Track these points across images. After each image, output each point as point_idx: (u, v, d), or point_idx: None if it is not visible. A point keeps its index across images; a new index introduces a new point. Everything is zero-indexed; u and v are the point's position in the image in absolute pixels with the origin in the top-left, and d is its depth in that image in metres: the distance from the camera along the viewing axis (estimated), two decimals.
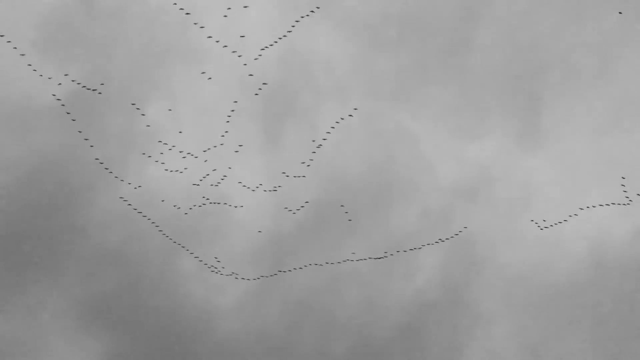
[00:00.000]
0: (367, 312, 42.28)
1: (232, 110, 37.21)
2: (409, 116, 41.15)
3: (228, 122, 37.72)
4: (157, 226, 40.25)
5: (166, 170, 39.11)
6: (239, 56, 35.93)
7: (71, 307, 42.51)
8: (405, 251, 40.64)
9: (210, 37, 35.82)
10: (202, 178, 38.98)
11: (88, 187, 41.70)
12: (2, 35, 34.80)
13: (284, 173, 39.08)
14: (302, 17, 36.01)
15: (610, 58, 41.09)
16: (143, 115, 39.02)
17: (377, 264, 41.98)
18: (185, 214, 40.43)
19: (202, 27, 36.00)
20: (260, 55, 36.29)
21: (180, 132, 39.16)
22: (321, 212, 40.96)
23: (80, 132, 38.24)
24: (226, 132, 37.98)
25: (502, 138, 41.42)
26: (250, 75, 36.79)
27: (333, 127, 38.35)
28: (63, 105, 37.38)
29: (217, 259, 40.57)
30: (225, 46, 36.03)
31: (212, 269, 40.63)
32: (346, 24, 40.02)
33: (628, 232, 40.98)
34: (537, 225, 39.63)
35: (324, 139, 38.17)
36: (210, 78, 37.64)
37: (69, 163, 41.06)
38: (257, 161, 41.49)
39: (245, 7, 35.14)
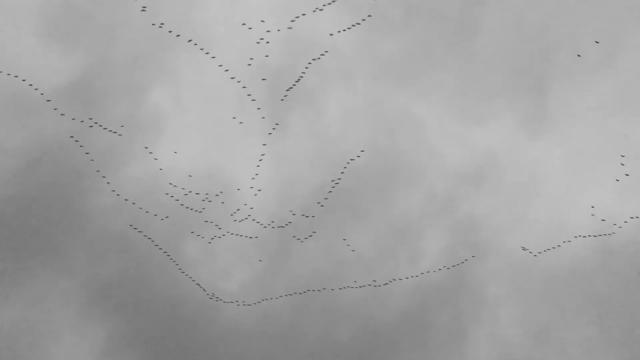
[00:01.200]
0: (372, 298, 42.24)
1: (263, 155, 37.97)
2: (414, 100, 40.90)
3: (258, 166, 38.46)
4: (172, 259, 41.07)
5: (187, 208, 39.72)
6: (252, 99, 36.78)
7: (77, 293, 42.60)
8: (403, 279, 40.99)
9: (230, 75, 36.50)
10: (232, 212, 39.71)
11: (93, 172, 41.67)
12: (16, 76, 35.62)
13: (291, 211, 39.68)
14: (311, 62, 36.53)
15: (617, 42, 40.69)
16: (156, 159, 39.54)
17: (381, 251, 41.93)
18: (209, 242, 41.01)
19: (221, 67, 36.66)
20: (285, 96, 36.92)
21: (190, 175, 39.86)
22: (328, 195, 40.76)
23: (97, 171, 39.10)
24: (256, 174, 38.65)
25: (508, 122, 41.16)
26: (263, 118, 37.58)
27: (345, 167, 38.67)
28: (74, 139, 38.11)
29: (207, 291, 41.32)
30: (239, 82, 36.65)
31: (214, 298, 41.29)
32: (351, 6, 39.71)
33: (635, 216, 40.69)
34: (529, 252, 39.88)
35: (339, 179, 38.52)
36: (242, 123, 38.35)
37: (73, 148, 41.01)
38: (261, 150, 41.49)
39: (267, 56, 36.11)
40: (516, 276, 41.29)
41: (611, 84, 41.09)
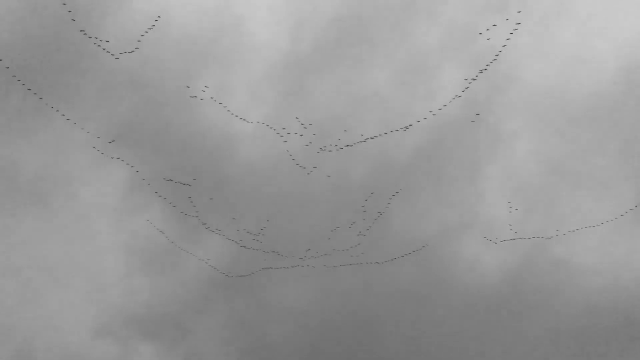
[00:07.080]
0: (386, 135, 41.99)
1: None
2: None
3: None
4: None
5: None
6: None
7: (95, 134, 43.06)
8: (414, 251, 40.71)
9: None
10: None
11: (100, 11, 40.57)
12: None
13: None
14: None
15: None
16: None
17: (397, 86, 41.09)
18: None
19: None
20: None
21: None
22: (343, 29, 39.40)
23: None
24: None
25: None
26: None
27: None
28: None
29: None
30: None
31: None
32: None
33: None
34: (491, 240, 38.64)
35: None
36: None
37: None
38: None
39: None
40: (534, 109, 40.47)
41: None
